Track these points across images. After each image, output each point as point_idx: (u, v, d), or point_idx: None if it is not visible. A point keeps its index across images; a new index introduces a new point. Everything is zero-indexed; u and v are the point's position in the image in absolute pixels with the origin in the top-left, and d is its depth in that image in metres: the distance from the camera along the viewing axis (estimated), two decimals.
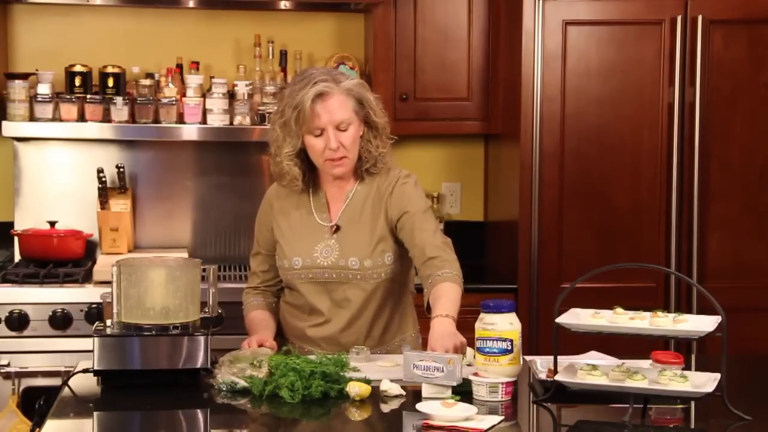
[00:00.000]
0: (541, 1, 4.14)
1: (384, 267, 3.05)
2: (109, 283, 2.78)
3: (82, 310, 3.93)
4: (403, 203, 3.05)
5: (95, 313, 3.88)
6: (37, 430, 2.55)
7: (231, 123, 4.27)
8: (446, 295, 2.87)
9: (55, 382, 3.70)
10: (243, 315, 3.23)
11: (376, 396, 2.66)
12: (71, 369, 2.94)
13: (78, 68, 4.28)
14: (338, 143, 2.98)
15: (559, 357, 2.64)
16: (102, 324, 2.78)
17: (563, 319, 2.65)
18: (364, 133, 3.06)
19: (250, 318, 3.18)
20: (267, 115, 4.23)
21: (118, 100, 4.21)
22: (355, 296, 3.05)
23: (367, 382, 2.67)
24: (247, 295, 3.25)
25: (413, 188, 3.09)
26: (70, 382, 2.76)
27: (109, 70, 4.29)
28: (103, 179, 4.27)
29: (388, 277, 3.07)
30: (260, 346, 2.95)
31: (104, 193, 4.32)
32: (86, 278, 4.08)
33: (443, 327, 2.77)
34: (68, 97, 4.23)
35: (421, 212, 3.03)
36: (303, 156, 3.06)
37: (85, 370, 2.76)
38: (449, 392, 2.61)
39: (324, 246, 3.07)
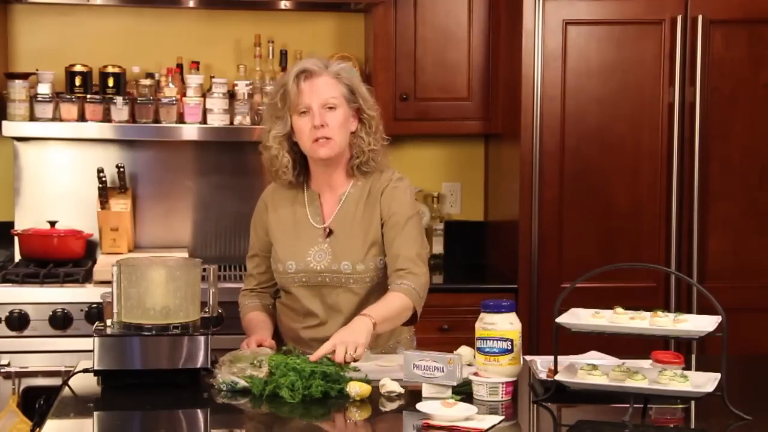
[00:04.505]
0: (541, 1, 4.14)
1: (377, 271, 3.05)
2: (109, 282, 2.78)
3: (82, 310, 3.93)
4: (392, 207, 3.04)
5: (95, 313, 3.88)
6: (38, 429, 2.55)
7: (231, 123, 4.28)
8: (385, 301, 2.91)
9: (56, 382, 3.70)
10: (240, 317, 3.23)
11: (376, 396, 2.66)
12: (71, 369, 2.94)
13: (78, 68, 4.28)
14: (323, 121, 2.96)
15: (559, 357, 2.65)
16: (102, 324, 2.78)
17: (563, 319, 2.65)
18: (357, 129, 3.05)
19: (248, 319, 3.17)
20: None
21: (119, 99, 4.21)
22: (348, 300, 3.05)
23: (367, 382, 2.67)
24: (244, 297, 3.25)
25: (403, 192, 3.07)
26: (70, 382, 2.76)
27: (110, 70, 4.29)
28: (104, 179, 4.27)
29: (381, 281, 3.06)
30: (259, 345, 2.95)
31: (104, 193, 4.32)
32: (86, 278, 4.08)
33: (351, 324, 2.83)
34: (68, 96, 4.23)
35: (405, 219, 3.03)
36: (293, 147, 3.04)
37: (85, 370, 2.76)
38: (449, 392, 2.61)
39: (317, 250, 3.06)
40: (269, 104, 3.05)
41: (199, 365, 2.72)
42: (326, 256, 3.05)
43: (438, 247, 4.69)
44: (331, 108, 2.98)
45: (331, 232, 3.06)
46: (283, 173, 3.06)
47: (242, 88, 4.27)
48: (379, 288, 3.05)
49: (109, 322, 2.77)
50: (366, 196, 3.08)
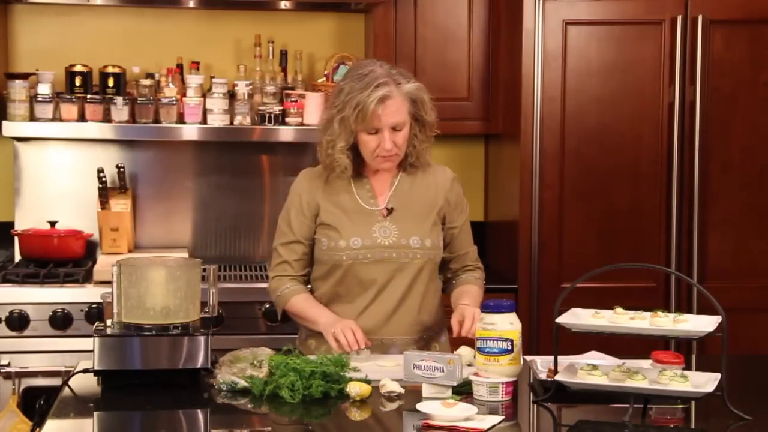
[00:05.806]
0: (541, 1, 4.14)
1: (439, 249, 3.16)
2: (109, 283, 2.78)
3: (82, 310, 3.93)
4: (460, 207, 3.24)
5: (95, 313, 3.88)
6: (38, 430, 2.55)
7: (231, 123, 4.28)
8: (476, 294, 3.20)
9: (56, 382, 3.70)
10: (279, 299, 3.16)
11: (376, 396, 2.66)
12: (71, 369, 2.94)
13: (78, 68, 4.28)
14: (392, 143, 3.03)
15: (559, 357, 2.65)
16: (102, 324, 2.78)
17: (563, 319, 2.65)
18: (411, 126, 3.10)
19: (301, 299, 3.13)
20: (267, 115, 4.24)
21: (119, 100, 4.21)
22: (407, 276, 3.09)
23: (367, 382, 2.67)
24: (280, 280, 3.17)
25: (461, 191, 3.26)
26: (71, 382, 2.76)
27: (110, 70, 4.29)
28: (104, 179, 4.27)
29: (437, 260, 3.17)
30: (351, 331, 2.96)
31: (104, 193, 4.32)
32: (86, 278, 4.08)
33: (469, 309, 3.05)
34: (68, 97, 4.23)
35: (466, 218, 3.27)
36: (353, 149, 3.10)
37: (85, 370, 2.76)
38: (449, 392, 2.61)
39: (380, 227, 3.11)
40: (340, 117, 3.03)
41: (199, 365, 2.73)
42: (392, 232, 3.10)
43: None
44: (399, 130, 3.05)
45: (391, 211, 3.13)
46: (344, 174, 3.11)
47: (242, 89, 4.27)
48: (432, 265, 3.15)
49: (109, 322, 2.77)
50: (419, 180, 3.18)
